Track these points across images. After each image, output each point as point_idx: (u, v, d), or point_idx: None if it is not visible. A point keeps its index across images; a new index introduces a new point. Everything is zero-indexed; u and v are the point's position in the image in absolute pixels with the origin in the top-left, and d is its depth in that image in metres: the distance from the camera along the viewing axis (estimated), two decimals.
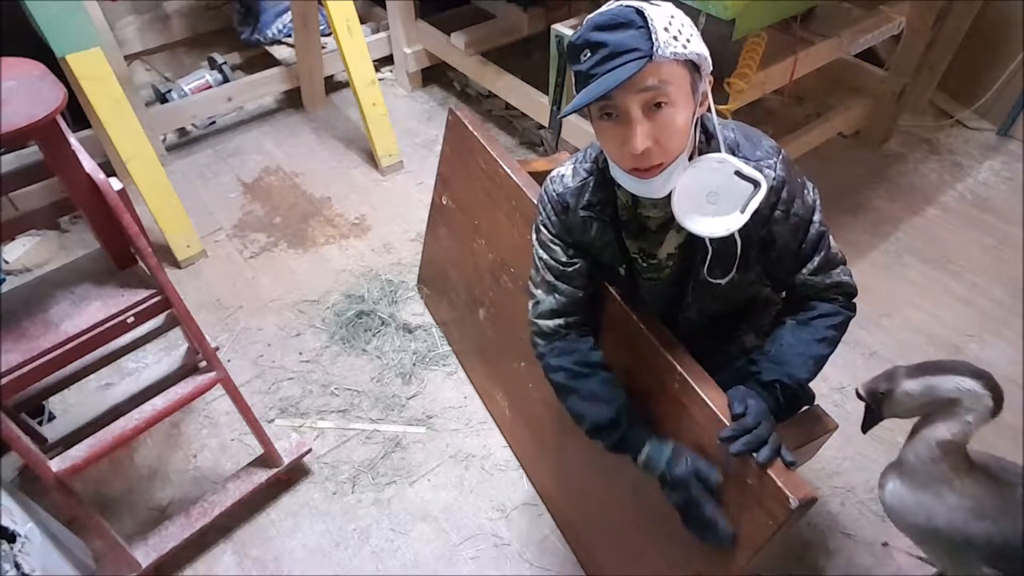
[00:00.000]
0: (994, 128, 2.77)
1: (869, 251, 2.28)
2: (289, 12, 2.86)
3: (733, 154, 0.99)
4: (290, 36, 2.90)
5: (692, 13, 1.28)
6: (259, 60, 3.06)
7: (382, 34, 3.04)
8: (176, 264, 2.27)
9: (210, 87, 2.84)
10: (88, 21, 1.92)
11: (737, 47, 1.67)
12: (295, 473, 1.71)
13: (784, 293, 1.21)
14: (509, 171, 1.54)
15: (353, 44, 2.42)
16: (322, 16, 2.67)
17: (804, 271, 1.10)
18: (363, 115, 2.53)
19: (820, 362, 1.11)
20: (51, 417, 1.74)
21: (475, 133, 1.66)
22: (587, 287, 1.20)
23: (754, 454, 0.99)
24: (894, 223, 2.39)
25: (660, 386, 1.17)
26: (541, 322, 1.20)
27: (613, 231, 1.13)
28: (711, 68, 0.96)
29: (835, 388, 1.86)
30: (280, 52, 2.90)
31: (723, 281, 1.10)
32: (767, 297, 1.29)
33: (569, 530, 1.58)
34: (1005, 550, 1.09)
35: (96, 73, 1.96)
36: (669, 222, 1.10)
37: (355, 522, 1.64)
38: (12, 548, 1.20)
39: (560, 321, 1.18)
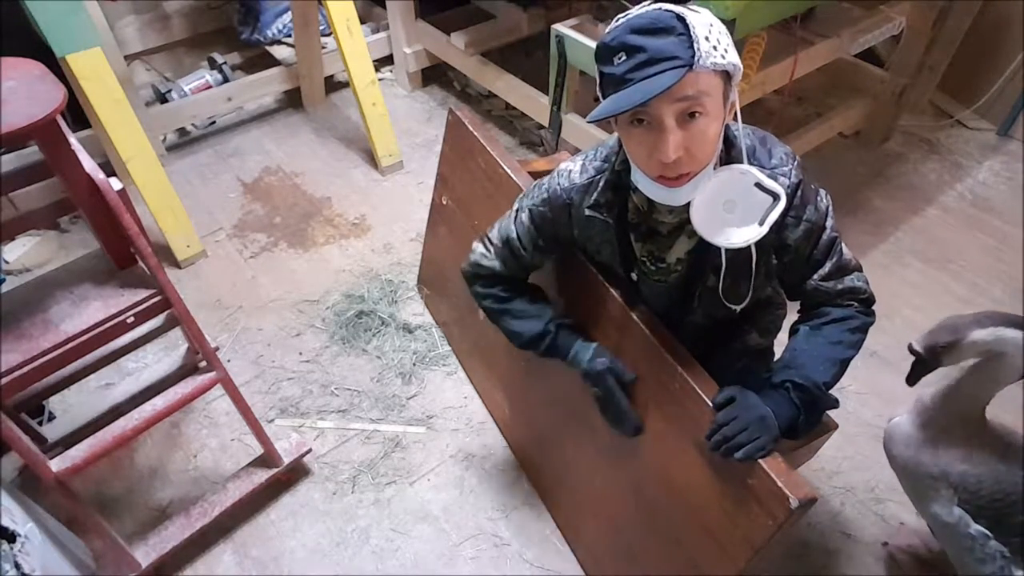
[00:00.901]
0: (994, 128, 2.77)
1: (869, 251, 2.28)
2: (289, 12, 2.86)
3: (749, 161, 0.98)
4: (290, 36, 2.90)
5: None
6: (259, 60, 3.06)
7: (382, 34, 3.04)
8: (176, 264, 2.27)
9: (210, 87, 2.84)
10: (88, 21, 1.92)
11: (737, 47, 1.66)
12: (295, 473, 1.71)
13: (799, 302, 1.19)
14: (509, 171, 1.54)
15: (353, 44, 2.42)
16: (322, 16, 2.66)
17: (815, 277, 1.09)
18: (363, 115, 2.53)
19: (838, 364, 1.09)
20: (51, 417, 1.74)
21: (475, 133, 1.66)
22: (530, 272, 1.32)
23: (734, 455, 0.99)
24: (894, 223, 2.39)
25: (660, 386, 1.17)
26: (480, 271, 1.30)
27: (618, 233, 1.13)
28: (740, 78, 0.94)
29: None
30: (280, 52, 2.90)
31: (739, 307, 1.10)
32: (770, 298, 1.28)
33: (569, 530, 1.58)
34: (979, 492, 1.12)
35: (96, 73, 1.96)
36: (681, 226, 1.09)
37: (355, 522, 1.64)
38: (12, 548, 1.20)
39: (496, 276, 1.29)
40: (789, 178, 1.01)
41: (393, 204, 2.52)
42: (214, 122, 2.91)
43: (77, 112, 2.15)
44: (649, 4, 0.89)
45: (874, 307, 1.15)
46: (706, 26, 0.87)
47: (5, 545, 1.19)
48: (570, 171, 1.15)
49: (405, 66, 3.02)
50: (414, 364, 1.97)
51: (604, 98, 0.92)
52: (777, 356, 1.20)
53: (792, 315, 1.25)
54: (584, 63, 1.92)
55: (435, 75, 3.15)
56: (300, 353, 2.01)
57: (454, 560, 1.57)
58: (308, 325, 2.09)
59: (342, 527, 1.63)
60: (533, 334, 1.25)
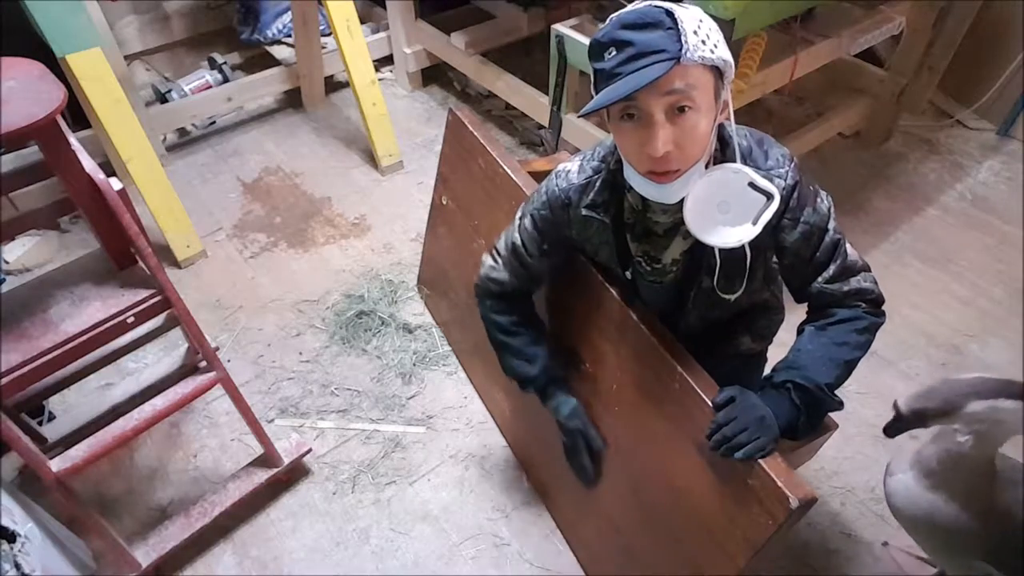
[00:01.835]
0: (994, 128, 2.77)
1: (869, 251, 2.28)
2: (289, 12, 2.86)
3: (745, 162, 0.98)
4: (290, 36, 2.90)
5: None
6: (259, 60, 3.06)
7: (382, 34, 3.04)
8: (176, 264, 2.27)
9: (210, 87, 2.84)
10: (88, 21, 1.92)
11: (737, 47, 1.66)
12: (295, 473, 1.71)
13: (805, 304, 1.18)
14: (509, 171, 1.54)
15: (353, 44, 2.42)
16: (322, 16, 2.66)
17: (820, 280, 1.08)
18: (363, 115, 2.53)
19: (843, 365, 1.08)
20: (51, 417, 1.74)
21: (475, 133, 1.65)
22: (543, 278, 1.33)
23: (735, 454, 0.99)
24: (894, 223, 2.39)
25: (660, 386, 1.17)
26: (491, 284, 1.32)
27: (615, 232, 1.13)
28: (733, 76, 0.94)
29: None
30: (280, 52, 2.90)
31: (732, 297, 1.10)
32: (766, 301, 1.28)
33: (569, 530, 1.58)
34: (1002, 546, 1.09)
35: (96, 73, 1.96)
36: (676, 227, 1.09)
37: (355, 522, 1.64)
38: (12, 548, 1.20)
39: (507, 291, 1.31)
40: (785, 179, 1.00)
41: (393, 204, 2.52)
42: (214, 122, 2.91)
43: (77, 112, 2.15)
44: (639, 1, 0.90)
45: (883, 307, 1.14)
46: (695, 21, 0.87)
47: (5, 545, 1.19)
48: (568, 171, 1.16)
49: (405, 66, 3.02)
50: (414, 364, 1.97)
51: (596, 93, 0.93)
52: (773, 363, 1.20)
53: (793, 318, 1.24)
54: (584, 63, 1.91)
55: (435, 75, 3.15)
56: (300, 353, 2.01)
57: (454, 560, 1.57)
58: (308, 325, 2.09)
59: (342, 527, 1.63)
60: (523, 376, 1.34)
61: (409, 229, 2.40)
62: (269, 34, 2.90)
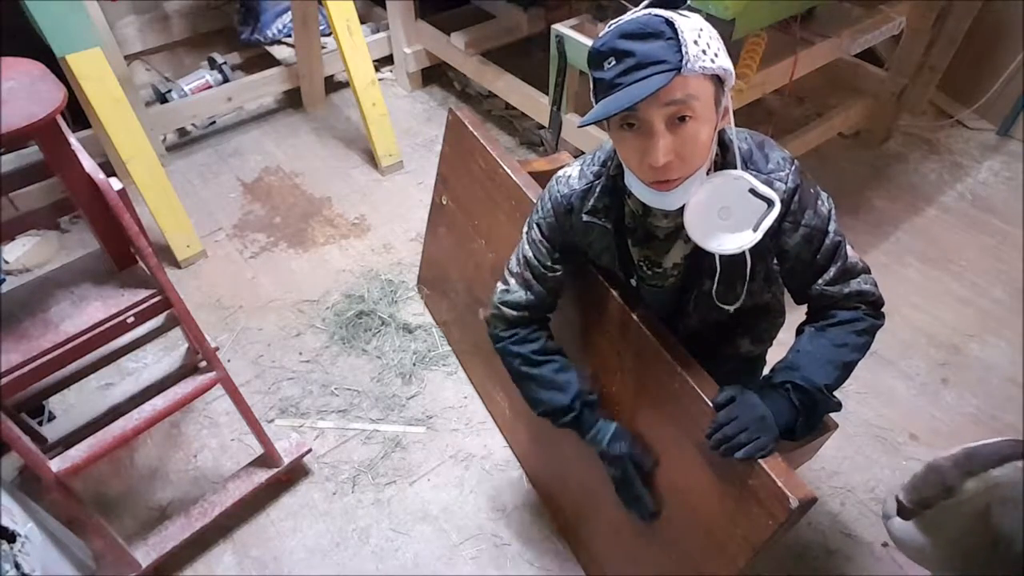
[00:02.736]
0: (994, 128, 2.77)
1: (869, 251, 2.28)
2: (289, 12, 2.86)
3: (746, 166, 0.98)
4: (290, 36, 2.89)
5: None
6: (259, 60, 3.06)
7: (382, 34, 3.04)
8: (176, 264, 2.27)
9: (210, 87, 2.84)
10: (88, 21, 1.92)
11: (737, 47, 1.66)
12: (295, 473, 1.71)
13: (806, 306, 1.18)
14: (509, 171, 1.54)
15: (353, 44, 2.42)
16: (322, 16, 2.66)
17: (820, 282, 1.08)
18: (363, 115, 2.53)
19: (842, 367, 1.08)
20: (51, 417, 1.74)
21: (475, 133, 1.65)
22: (560, 292, 1.26)
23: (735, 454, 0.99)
24: (894, 223, 2.39)
25: (660, 386, 1.17)
26: (506, 310, 1.24)
27: (616, 237, 1.12)
28: (734, 83, 0.94)
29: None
30: (280, 52, 2.90)
31: (732, 308, 1.10)
32: (768, 304, 1.28)
33: (569, 530, 1.58)
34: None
35: (96, 73, 1.96)
36: (677, 232, 1.09)
37: (355, 522, 1.64)
38: (12, 548, 1.20)
39: (525, 314, 1.23)
40: (786, 183, 1.00)
41: (393, 204, 2.52)
42: (214, 122, 2.91)
43: (77, 112, 2.15)
44: (641, 9, 0.90)
45: (883, 309, 1.14)
46: (695, 30, 0.87)
47: (5, 545, 1.19)
48: (569, 176, 1.15)
49: (405, 66, 3.02)
50: (414, 364, 1.97)
51: (596, 103, 0.92)
52: (772, 363, 1.20)
53: (793, 318, 1.24)
54: (584, 63, 1.92)
55: (435, 75, 3.15)
56: (300, 353, 2.01)
57: (454, 560, 1.57)
58: (308, 325, 2.09)
59: (342, 527, 1.63)
60: (557, 406, 1.21)
61: (409, 229, 2.40)
62: (269, 34, 2.90)
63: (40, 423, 1.68)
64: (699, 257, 1.08)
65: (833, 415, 1.30)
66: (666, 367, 1.14)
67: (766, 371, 1.21)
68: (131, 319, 1.32)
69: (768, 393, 1.06)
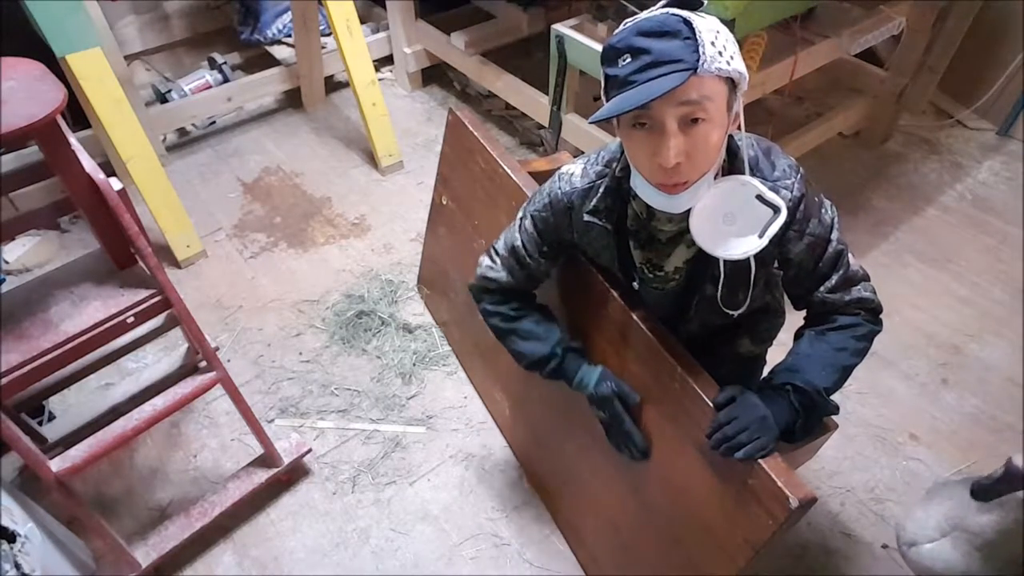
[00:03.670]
0: (994, 128, 2.77)
1: (869, 251, 2.28)
2: (289, 12, 2.86)
3: (752, 173, 0.98)
4: (290, 36, 2.90)
5: None
6: (259, 60, 3.06)
7: (382, 34, 3.04)
8: (176, 264, 2.27)
9: (210, 87, 2.84)
10: (88, 21, 1.92)
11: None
12: (295, 473, 1.71)
13: (804, 311, 1.19)
14: (509, 171, 1.54)
15: (353, 44, 2.42)
16: (322, 16, 2.66)
17: (822, 289, 1.08)
18: (363, 115, 2.53)
19: (841, 371, 1.08)
20: (51, 417, 1.74)
21: (475, 133, 1.65)
22: (543, 279, 1.30)
23: (735, 454, 0.99)
24: (894, 223, 2.39)
25: (660, 386, 1.17)
26: (487, 283, 1.29)
27: (617, 239, 1.12)
28: (747, 87, 0.93)
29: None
30: (280, 52, 2.90)
31: (736, 313, 1.10)
32: (768, 305, 1.28)
33: (569, 530, 1.58)
34: None
35: (96, 73, 1.96)
36: (680, 235, 1.08)
37: (355, 522, 1.64)
38: (12, 548, 1.20)
39: (504, 288, 1.29)
40: (791, 191, 1.00)
41: (393, 204, 2.52)
42: (214, 122, 2.91)
43: (77, 112, 2.15)
44: (658, 8, 0.89)
45: (883, 311, 1.14)
46: (712, 32, 0.86)
47: (5, 545, 1.19)
48: (571, 174, 1.15)
49: (405, 66, 3.02)
50: (414, 364, 1.97)
51: (608, 100, 0.91)
52: (771, 365, 1.20)
53: (793, 318, 1.24)
54: (584, 63, 1.92)
55: (435, 75, 3.14)
56: (300, 353, 2.01)
57: (454, 560, 1.57)
58: (308, 325, 2.09)
59: (342, 527, 1.63)
60: (539, 356, 1.25)
61: (409, 229, 2.40)
62: (269, 34, 2.90)
63: (40, 423, 1.68)
64: (701, 262, 1.08)
65: (834, 415, 1.30)
66: (666, 367, 1.14)
67: (765, 371, 1.21)
68: (131, 319, 1.32)
69: (768, 394, 1.06)
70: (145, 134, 2.13)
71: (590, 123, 0.92)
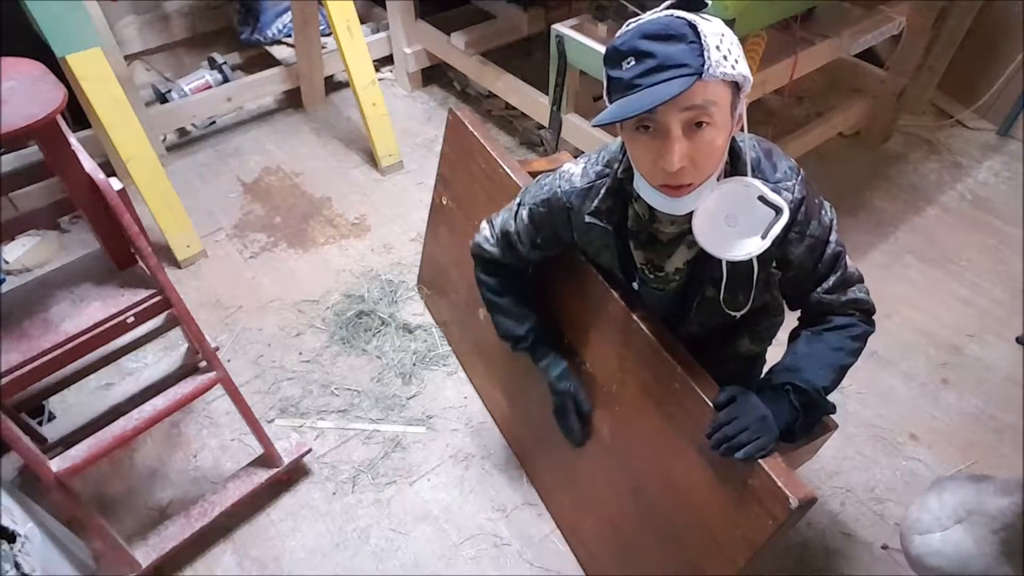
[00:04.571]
0: (994, 128, 2.77)
1: (869, 251, 2.28)
2: (289, 12, 2.86)
3: (754, 174, 0.98)
4: (290, 36, 2.89)
5: None
6: (259, 60, 3.06)
7: (382, 34, 3.04)
8: (176, 264, 2.27)
9: (210, 87, 2.84)
10: (88, 21, 1.92)
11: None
12: (295, 473, 1.71)
13: (799, 311, 1.19)
14: (509, 171, 1.54)
15: (353, 44, 2.42)
16: (322, 16, 2.66)
17: (819, 290, 1.09)
18: (363, 115, 2.53)
19: (838, 370, 1.09)
20: (51, 417, 1.74)
21: (475, 133, 1.66)
22: (530, 265, 1.38)
23: (735, 454, 1.00)
24: (894, 223, 2.39)
25: (660, 386, 1.17)
26: (483, 253, 1.37)
27: (618, 240, 1.12)
28: (750, 90, 0.93)
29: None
30: (280, 52, 2.90)
31: (738, 314, 1.10)
32: (766, 304, 1.28)
33: (569, 530, 1.58)
34: None
35: (96, 73, 1.96)
36: (681, 236, 1.08)
37: (355, 522, 1.64)
38: (12, 548, 1.20)
39: (496, 261, 1.36)
40: (793, 193, 1.00)
41: (393, 204, 2.52)
42: (214, 122, 2.91)
43: (77, 112, 2.15)
44: (662, 10, 0.88)
45: (883, 309, 1.14)
46: (717, 35, 0.85)
47: (5, 545, 1.19)
48: (572, 174, 1.15)
49: (405, 66, 3.01)
50: (414, 364, 1.97)
51: (610, 102, 0.90)
52: (770, 363, 1.20)
53: (792, 319, 1.24)
54: (584, 63, 1.92)
55: (435, 75, 3.14)
56: (300, 353, 2.01)
57: (454, 560, 1.57)
58: (308, 325, 2.09)
59: (342, 527, 1.63)
60: (511, 334, 1.39)
61: (409, 229, 2.40)
62: (269, 34, 2.90)
63: (40, 423, 1.68)
64: (702, 263, 1.08)
65: (833, 415, 1.30)
66: (666, 367, 1.14)
67: (765, 371, 1.21)
68: (131, 319, 1.32)
69: (768, 394, 1.07)
70: (145, 134, 2.13)
71: (594, 126, 0.91)
